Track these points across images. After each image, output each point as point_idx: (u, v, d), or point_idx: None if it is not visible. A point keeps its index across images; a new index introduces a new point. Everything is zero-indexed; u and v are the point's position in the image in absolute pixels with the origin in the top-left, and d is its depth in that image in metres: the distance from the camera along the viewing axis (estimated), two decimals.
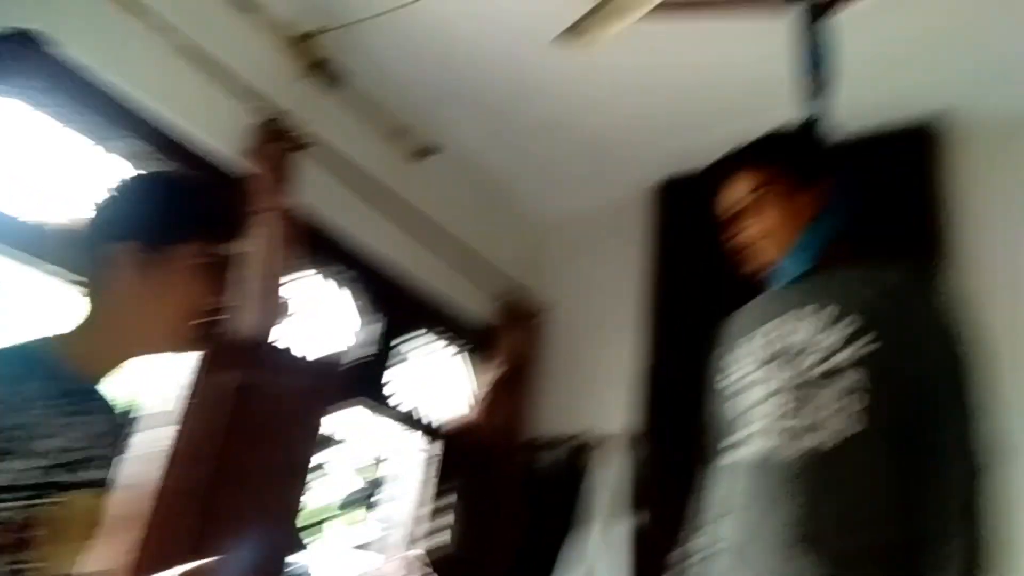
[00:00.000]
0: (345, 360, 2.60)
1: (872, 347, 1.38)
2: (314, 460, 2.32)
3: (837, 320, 1.42)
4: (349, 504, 2.82)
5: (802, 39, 1.96)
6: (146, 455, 1.98)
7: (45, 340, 1.12)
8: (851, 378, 1.38)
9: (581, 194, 3.81)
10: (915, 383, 1.37)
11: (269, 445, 2.23)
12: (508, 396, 3.42)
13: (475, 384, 3.46)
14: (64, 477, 1.03)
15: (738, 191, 1.59)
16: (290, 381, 2.33)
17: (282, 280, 2.41)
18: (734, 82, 2.92)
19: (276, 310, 2.38)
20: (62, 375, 1.09)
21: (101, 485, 1.10)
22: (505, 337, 3.49)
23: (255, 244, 2.39)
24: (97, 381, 1.16)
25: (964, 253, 2.77)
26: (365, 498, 2.87)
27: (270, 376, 2.31)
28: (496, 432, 3.35)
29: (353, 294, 3.03)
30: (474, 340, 3.58)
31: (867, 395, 1.36)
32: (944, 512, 1.28)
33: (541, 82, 3.08)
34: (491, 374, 3.40)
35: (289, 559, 2.25)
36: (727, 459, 1.55)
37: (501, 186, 3.79)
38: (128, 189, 1.25)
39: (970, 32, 2.56)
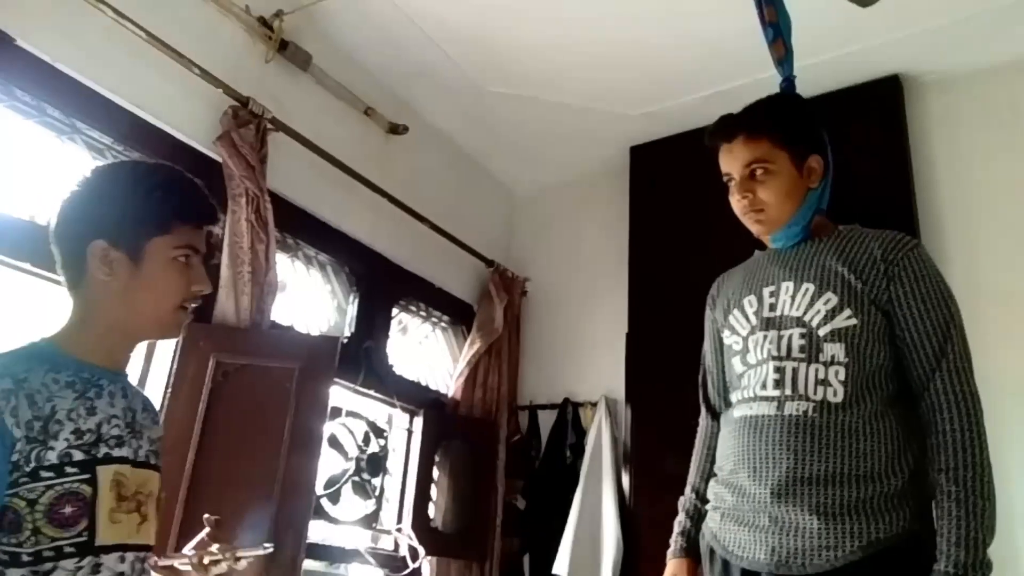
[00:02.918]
0: (334, 338, 2.62)
1: (849, 322, 1.45)
2: (324, 432, 2.37)
3: (817, 296, 1.49)
4: (340, 480, 2.85)
5: (759, 6, 1.96)
6: None
7: (46, 340, 1.16)
8: (831, 351, 1.44)
9: (554, 164, 3.83)
10: (904, 349, 1.44)
11: (268, 422, 2.25)
12: (495, 366, 3.45)
13: (460, 357, 3.49)
14: (101, 453, 1.11)
15: (735, 160, 1.58)
16: (283, 360, 2.34)
17: (265, 263, 2.41)
18: (696, 50, 2.94)
19: (258, 292, 2.38)
20: (75, 366, 1.14)
21: (117, 462, 1.14)
22: (487, 309, 3.52)
23: (232, 228, 2.39)
24: (110, 368, 1.20)
25: (935, 204, 2.85)
26: (356, 474, 2.89)
27: (258, 356, 2.32)
28: (484, 403, 3.39)
29: (332, 274, 3.03)
30: (457, 314, 3.60)
31: (845, 367, 1.43)
32: (943, 463, 1.34)
33: (506, 57, 3.08)
34: (475, 346, 3.43)
35: (310, 527, 2.28)
36: (727, 415, 1.60)
37: (474, 161, 3.80)
38: (93, 185, 1.21)
39: None
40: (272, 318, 2.49)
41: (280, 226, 2.56)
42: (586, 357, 3.51)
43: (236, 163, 2.40)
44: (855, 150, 2.54)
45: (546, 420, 3.47)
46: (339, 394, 2.89)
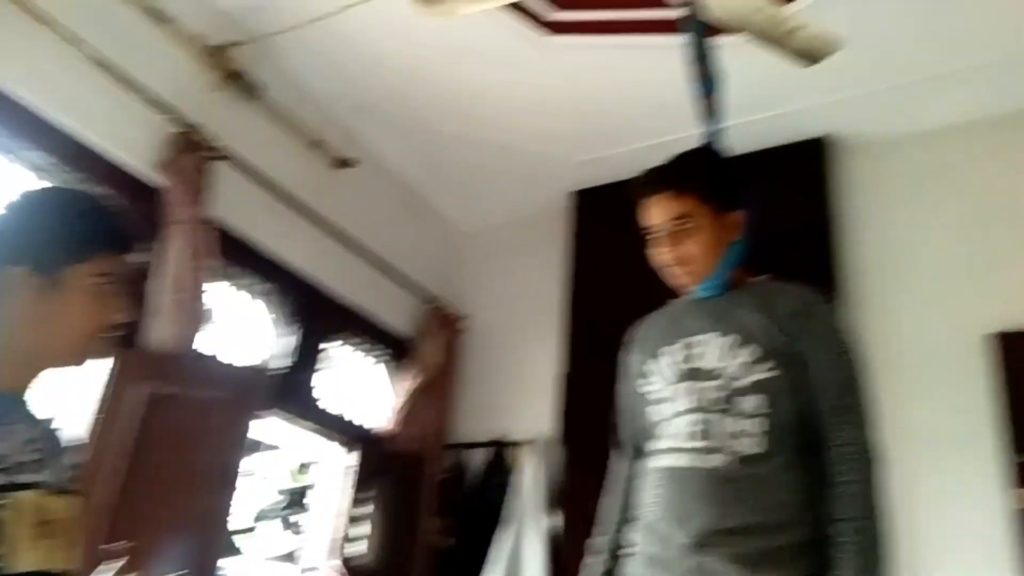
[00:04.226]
0: (264, 369, 2.60)
1: (770, 374, 1.50)
2: (242, 467, 2.31)
3: (739, 348, 1.53)
4: (266, 515, 2.81)
5: (692, 63, 2.08)
6: None
7: None
8: (751, 403, 1.49)
9: (497, 205, 3.90)
10: (810, 401, 1.49)
11: (191, 452, 2.22)
12: (428, 403, 3.45)
13: (394, 392, 3.49)
14: (16, 479, 1.08)
15: (661, 214, 1.61)
16: (211, 390, 2.31)
17: (199, 291, 2.38)
18: (637, 101, 3.08)
19: (193, 320, 2.35)
20: None
21: (37, 487, 1.11)
22: (424, 345, 3.53)
23: (171, 255, 2.37)
24: (17, 394, 1.18)
25: (858, 263, 3.00)
26: (283, 508, 2.86)
27: (188, 385, 2.29)
28: (416, 439, 3.38)
29: (271, 304, 3.01)
30: (393, 348, 3.60)
31: (766, 419, 1.48)
32: (844, 512, 1.40)
33: (455, 96, 3.16)
34: (411, 382, 3.43)
35: (220, 563, 2.23)
36: (647, 464, 1.63)
37: (418, 197, 3.84)
38: (18, 210, 1.21)
39: (849, 63, 2.77)
40: (206, 347, 2.46)
41: (221, 254, 2.54)
42: (520, 397, 3.55)
43: (177, 190, 2.39)
44: (778, 208, 2.68)
45: (478, 459, 3.48)
46: (271, 426, 2.85)
